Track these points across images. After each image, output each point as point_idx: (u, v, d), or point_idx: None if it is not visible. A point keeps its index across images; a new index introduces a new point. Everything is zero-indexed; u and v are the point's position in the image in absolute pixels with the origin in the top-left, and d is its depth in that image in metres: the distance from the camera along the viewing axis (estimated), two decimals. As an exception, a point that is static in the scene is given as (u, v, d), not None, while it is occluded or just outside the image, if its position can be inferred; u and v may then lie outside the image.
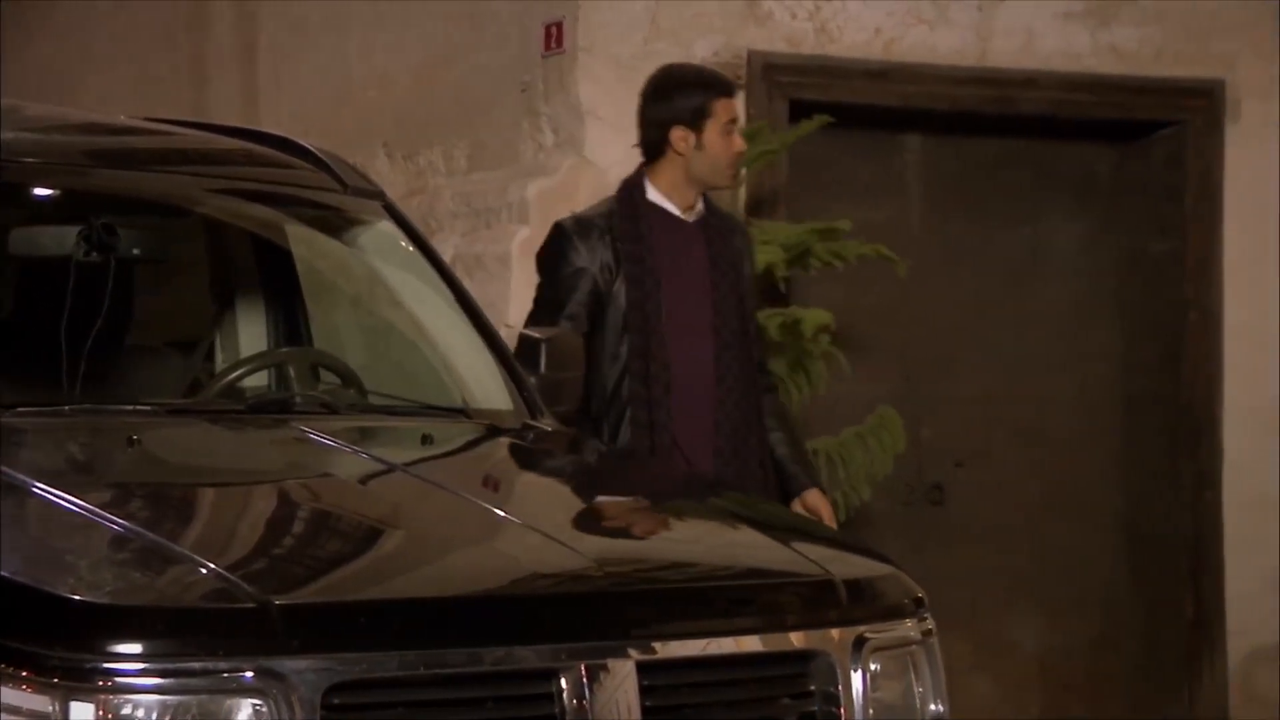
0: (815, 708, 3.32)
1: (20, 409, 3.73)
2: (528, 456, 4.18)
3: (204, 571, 3.05)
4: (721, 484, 4.60)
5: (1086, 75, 6.81)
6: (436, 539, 3.44)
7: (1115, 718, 7.15)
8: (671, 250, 4.97)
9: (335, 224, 4.55)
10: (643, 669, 3.14)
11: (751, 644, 3.32)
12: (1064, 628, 7.12)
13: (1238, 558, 6.98)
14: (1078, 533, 7.11)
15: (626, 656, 3.14)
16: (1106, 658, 7.16)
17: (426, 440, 4.01)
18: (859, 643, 3.37)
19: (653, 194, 5.01)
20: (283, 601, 2.97)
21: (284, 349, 4.58)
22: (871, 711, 3.36)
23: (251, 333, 4.63)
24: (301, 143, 4.58)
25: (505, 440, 4.18)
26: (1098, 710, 7.14)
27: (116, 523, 3.22)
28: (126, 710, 2.87)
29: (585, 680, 3.08)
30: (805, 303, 6.21)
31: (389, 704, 2.99)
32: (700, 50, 6.34)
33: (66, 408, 3.83)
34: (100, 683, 2.86)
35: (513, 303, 6.16)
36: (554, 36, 6.41)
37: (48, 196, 4.23)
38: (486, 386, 4.36)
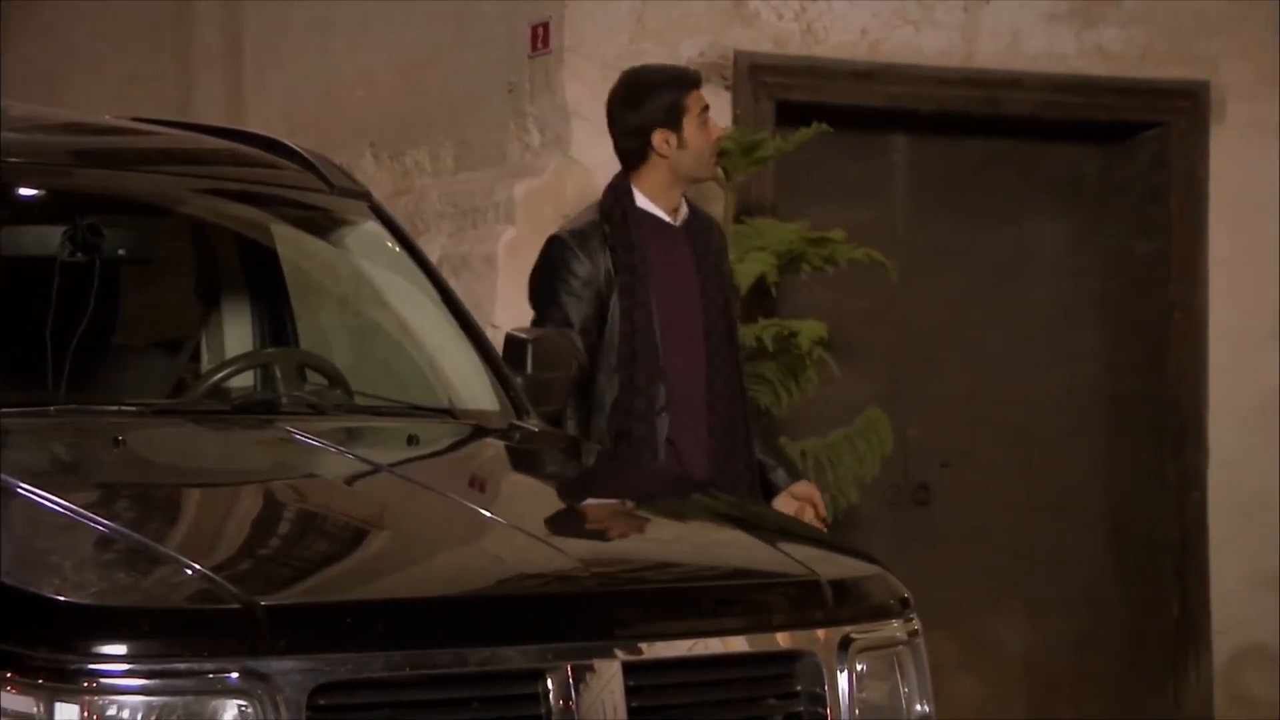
0: (801, 708, 3.32)
1: (5, 409, 3.72)
2: (514, 457, 4.18)
3: (189, 572, 3.04)
4: (710, 485, 4.60)
5: (1072, 76, 6.81)
6: (423, 539, 3.43)
7: (1101, 717, 7.16)
8: (662, 256, 4.97)
9: (321, 224, 4.55)
10: (629, 669, 3.14)
11: (737, 644, 3.32)
12: (1050, 627, 7.13)
13: (1223, 557, 6.99)
14: (1063, 533, 7.12)
15: (612, 657, 3.14)
16: (1092, 657, 7.17)
17: (412, 441, 4.00)
18: (845, 643, 3.38)
19: (641, 200, 5.01)
20: (268, 602, 2.97)
21: (270, 349, 4.57)
22: (857, 712, 3.36)
23: (237, 333, 4.62)
24: (287, 143, 4.58)
25: (491, 441, 4.17)
26: (1083, 709, 7.15)
27: (102, 523, 3.21)
28: (111, 711, 2.86)
29: (571, 681, 3.08)
30: (793, 306, 6.22)
31: (375, 705, 2.99)
32: (686, 50, 6.34)
33: (52, 408, 3.82)
34: (85, 684, 2.86)
35: (499, 303, 6.16)
36: (540, 37, 6.41)
37: (32, 196, 4.22)
38: (472, 387, 4.35)
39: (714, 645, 3.28)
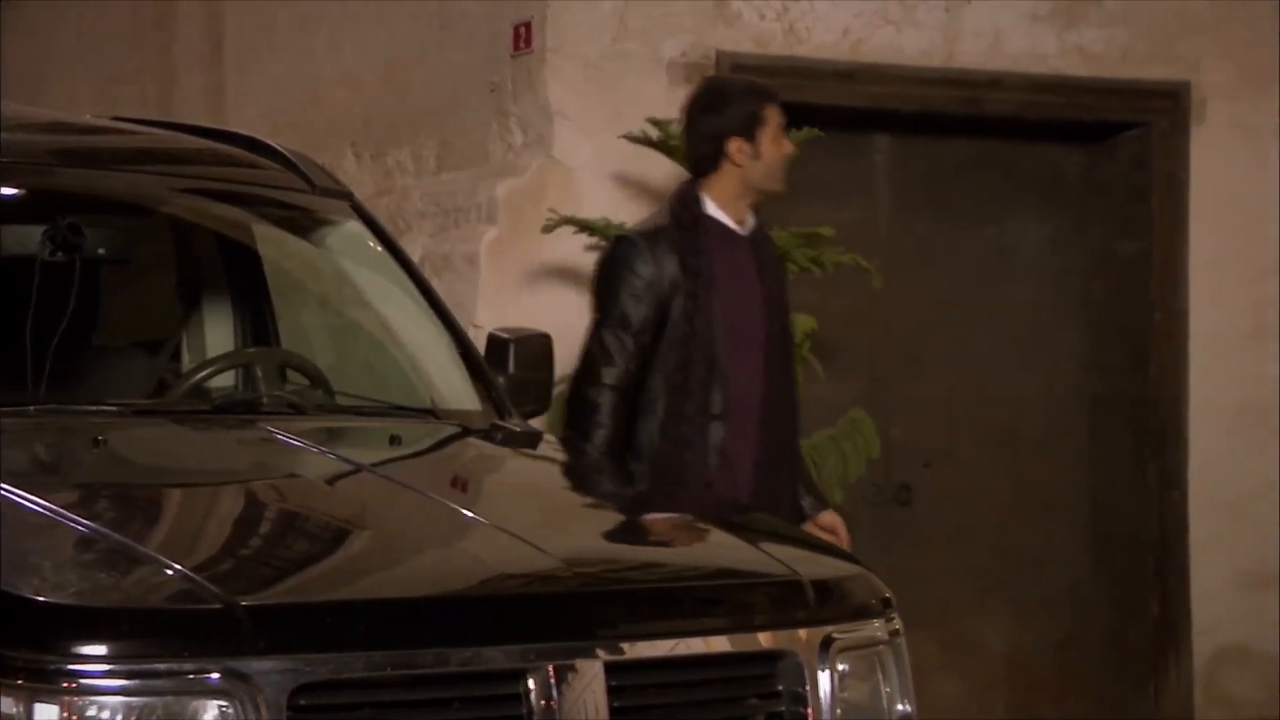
0: (783, 708, 3.33)
1: (-15, 409, 3.72)
2: (496, 457, 4.18)
3: (170, 572, 3.04)
4: (746, 505, 4.58)
5: (1053, 77, 6.83)
6: (404, 539, 3.43)
7: (1082, 716, 7.18)
8: (728, 264, 4.96)
9: (303, 224, 4.54)
10: (610, 669, 3.14)
11: (719, 644, 3.32)
12: (1031, 627, 7.14)
13: (1203, 557, 7.00)
14: (1045, 532, 7.13)
15: (594, 657, 3.14)
16: (1073, 657, 7.18)
17: (394, 441, 4.00)
18: (826, 643, 3.38)
19: (710, 207, 5.00)
20: (249, 602, 2.96)
21: (251, 349, 4.56)
22: (839, 711, 3.36)
23: (218, 333, 4.61)
24: (269, 142, 4.57)
25: (473, 440, 4.17)
26: (1064, 709, 7.17)
27: (82, 523, 3.20)
28: (91, 712, 2.86)
29: (553, 681, 3.08)
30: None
31: (356, 705, 2.98)
32: (669, 51, 6.34)
33: (32, 408, 3.81)
34: (65, 684, 2.85)
35: (481, 303, 6.16)
36: (522, 37, 6.40)
37: (12, 196, 4.21)
38: (454, 387, 4.35)
39: (696, 645, 3.28)
